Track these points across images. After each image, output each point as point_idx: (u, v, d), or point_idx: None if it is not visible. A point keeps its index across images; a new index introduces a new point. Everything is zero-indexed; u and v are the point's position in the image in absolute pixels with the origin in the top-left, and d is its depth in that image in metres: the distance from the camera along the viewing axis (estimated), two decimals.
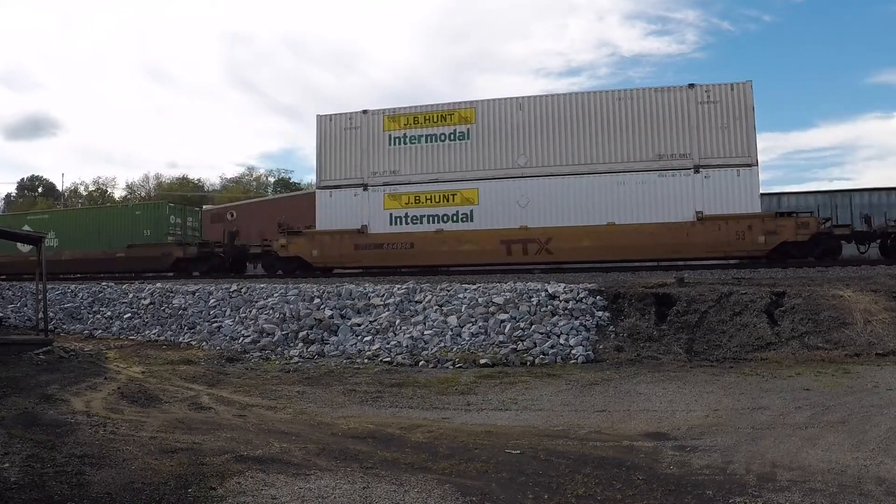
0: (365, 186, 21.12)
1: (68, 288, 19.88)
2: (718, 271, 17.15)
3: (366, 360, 12.49)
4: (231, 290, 17.08)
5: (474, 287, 14.68)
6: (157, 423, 8.08)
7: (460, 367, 11.72)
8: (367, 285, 16.01)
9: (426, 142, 20.87)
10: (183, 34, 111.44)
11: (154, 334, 16.11)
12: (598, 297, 13.58)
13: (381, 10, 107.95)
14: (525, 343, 12.34)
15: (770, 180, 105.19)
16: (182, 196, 58.47)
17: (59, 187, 70.46)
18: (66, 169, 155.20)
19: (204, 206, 40.81)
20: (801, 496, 5.16)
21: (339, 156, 21.48)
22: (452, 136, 20.70)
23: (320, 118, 21.89)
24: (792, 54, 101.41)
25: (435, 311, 13.91)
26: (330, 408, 9.18)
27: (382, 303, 14.67)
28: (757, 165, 18.68)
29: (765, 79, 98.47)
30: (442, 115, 20.85)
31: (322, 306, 14.91)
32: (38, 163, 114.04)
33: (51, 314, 16.58)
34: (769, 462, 6.06)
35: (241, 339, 14.53)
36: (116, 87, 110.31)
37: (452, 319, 13.46)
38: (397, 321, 13.91)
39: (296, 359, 13.00)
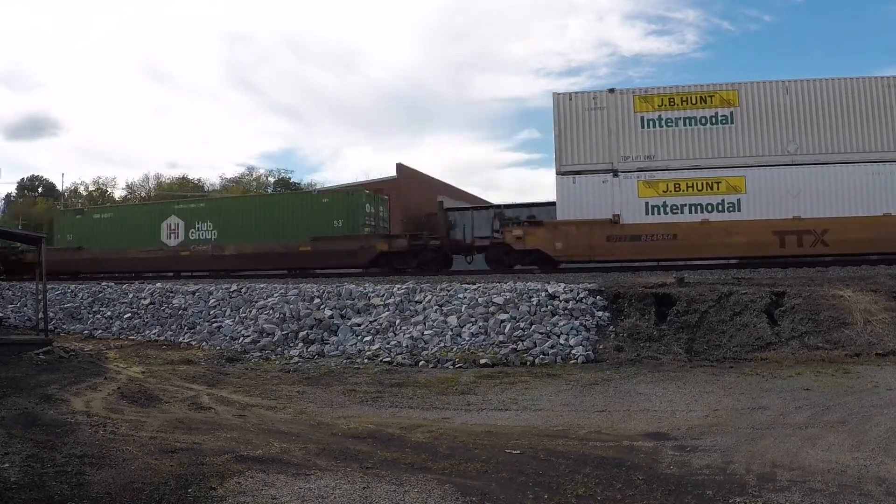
0: (615, 172, 19.64)
1: (68, 288, 19.88)
2: (718, 271, 17.17)
3: (366, 360, 12.49)
4: (231, 290, 17.08)
5: (474, 287, 14.68)
6: (157, 423, 8.08)
7: (460, 367, 11.72)
8: (367, 285, 16.01)
9: (684, 125, 19.64)
10: (183, 34, 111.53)
11: (154, 334, 16.11)
12: (598, 297, 13.58)
13: (381, 9, 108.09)
14: (525, 343, 12.34)
15: None
16: (182, 196, 58.44)
17: (59, 187, 70.44)
18: (66, 169, 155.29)
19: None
20: (801, 496, 5.16)
21: (582, 138, 19.98)
22: (714, 119, 19.52)
23: (557, 96, 20.37)
24: (792, 54, 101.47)
25: (435, 311, 13.91)
26: (330, 408, 9.18)
27: (382, 303, 14.67)
28: None
29: (764, 79, 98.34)
30: (701, 97, 19.63)
31: (322, 306, 14.91)
32: (38, 163, 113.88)
33: (51, 314, 16.57)
34: (769, 462, 6.06)
35: (241, 339, 14.53)
36: (116, 87, 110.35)
37: (452, 319, 13.46)
38: (397, 321, 13.91)
39: (296, 359, 13.00)
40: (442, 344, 12.78)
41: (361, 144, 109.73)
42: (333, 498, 5.44)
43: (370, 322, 14.12)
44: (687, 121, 19.69)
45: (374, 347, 13.07)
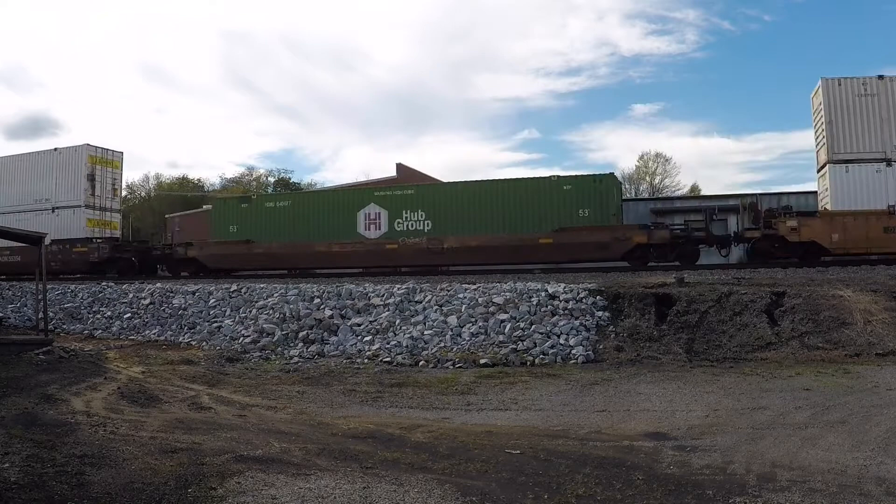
0: (889, 161, 18.78)
1: (68, 288, 19.88)
2: (718, 271, 17.17)
3: (366, 360, 12.49)
4: (231, 290, 17.10)
5: (474, 287, 14.69)
6: (157, 423, 8.08)
7: (460, 367, 11.72)
8: (367, 285, 16.02)
9: None
10: (182, 33, 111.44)
11: (154, 334, 16.12)
12: (598, 297, 13.59)
13: (381, 9, 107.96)
14: (525, 343, 12.34)
15: (770, 180, 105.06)
16: (182, 196, 58.43)
17: None
18: None
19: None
20: (801, 496, 5.16)
21: (852, 126, 19.11)
22: None
23: (826, 82, 19.41)
24: (792, 54, 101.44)
25: (435, 311, 13.92)
26: (330, 408, 9.18)
27: (382, 303, 14.67)
28: None
29: (765, 79, 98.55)
30: None
31: (322, 306, 14.91)
32: None
33: (51, 314, 16.56)
34: (769, 462, 6.06)
35: (241, 339, 14.53)
36: (116, 87, 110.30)
37: (452, 319, 13.46)
38: (397, 321, 13.92)
39: (296, 359, 13.00)
40: (442, 344, 12.78)
41: (361, 144, 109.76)
42: (333, 498, 5.45)
43: (370, 322, 14.12)
44: None
45: (374, 347, 13.07)
